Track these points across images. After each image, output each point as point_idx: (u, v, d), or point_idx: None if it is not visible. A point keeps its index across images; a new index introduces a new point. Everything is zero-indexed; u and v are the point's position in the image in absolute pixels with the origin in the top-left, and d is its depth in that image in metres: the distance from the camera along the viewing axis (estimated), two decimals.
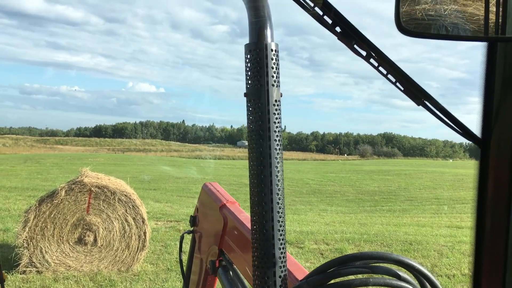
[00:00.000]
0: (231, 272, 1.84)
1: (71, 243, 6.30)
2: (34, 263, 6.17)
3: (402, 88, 1.02)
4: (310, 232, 9.78)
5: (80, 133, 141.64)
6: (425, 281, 1.00)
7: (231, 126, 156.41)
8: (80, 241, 6.36)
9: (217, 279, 2.05)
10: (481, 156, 0.89)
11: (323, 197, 22.81)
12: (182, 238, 2.42)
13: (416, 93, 1.01)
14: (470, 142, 0.98)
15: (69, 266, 6.31)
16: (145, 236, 6.50)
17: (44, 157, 47.52)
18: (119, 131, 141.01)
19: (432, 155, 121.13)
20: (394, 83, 1.01)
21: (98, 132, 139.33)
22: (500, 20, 0.89)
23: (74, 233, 6.29)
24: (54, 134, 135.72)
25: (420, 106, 1.01)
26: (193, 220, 2.36)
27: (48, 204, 6.12)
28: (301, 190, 24.96)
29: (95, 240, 6.37)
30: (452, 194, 23.72)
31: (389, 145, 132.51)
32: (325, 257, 7.90)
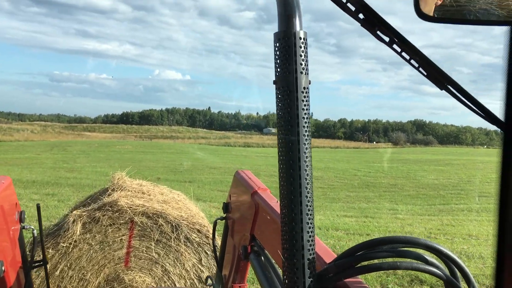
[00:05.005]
0: (262, 258, 1.85)
1: None
2: None
3: (425, 73, 1.01)
4: None
5: (108, 120, 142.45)
6: (454, 266, 1.03)
7: (257, 113, 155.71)
8: None
9: (249, 264, 2.05)
10: (504, 140, 0.84)
11: (380, 191, 20.33)
12: (215, 224, 2.57)
13: (439, 78, 1.00)
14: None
15: None
16: None
17: (71, 144, 46.76)
18: (145, 118, 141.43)
19: (468, 143, 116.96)
20: (417, 68, 1.01)
21: (125, 119, 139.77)
22: None
23: None
24: (82, 121, 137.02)
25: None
26: (226, 207, 2.36)
27: (52, 248, 3.22)
28: (351, 183, 22.65)
29: None
30: None
31: (421, 132, 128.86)
32: None
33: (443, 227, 10.85)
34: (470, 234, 9.70)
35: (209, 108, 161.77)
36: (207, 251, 3.58)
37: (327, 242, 8.34)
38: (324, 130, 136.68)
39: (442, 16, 0.91)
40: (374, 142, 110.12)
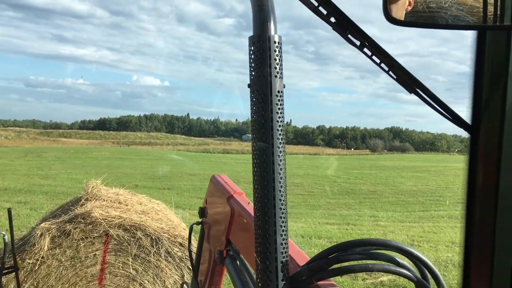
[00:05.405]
0: (238, 262, 1.84)
1: None
2: None
3: (395, 77, 1.03)
4: None
5: (84, 126, 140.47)
6: (424, 268, 1.05)
7: (236, 120, 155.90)
8: None
9: (225, 269, 2.05)
10: (470, 142, 0.87)
11: (360, 198, 20.37)
12: (191, 229, 2.48)
13: (408, 81, 1.02)
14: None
15: None
16: None
17: (47, 150, 45.69)
18: (123, 124, 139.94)
19: (444, 150, 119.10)
20: (387, 72, 1.03)
21: (102, 125, 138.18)
22: (497, 10, 0.89)
23: None
24: (58, 127, 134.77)
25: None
26: (202, 212, 2.37)
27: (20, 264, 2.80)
28: (331, 190, 22.62)
29: None
30: None
31: (397, 139, 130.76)
32: None
33: (425, 234, 10.82)
34: (453, 242, 9.67)
35: (188, 114, 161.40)
36: (190, 267, 3.24)
37: (311, 251, 8.17)
38: (303, 136, 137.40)
39: (414, 21, 0.93)
40: (352, 149, 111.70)
